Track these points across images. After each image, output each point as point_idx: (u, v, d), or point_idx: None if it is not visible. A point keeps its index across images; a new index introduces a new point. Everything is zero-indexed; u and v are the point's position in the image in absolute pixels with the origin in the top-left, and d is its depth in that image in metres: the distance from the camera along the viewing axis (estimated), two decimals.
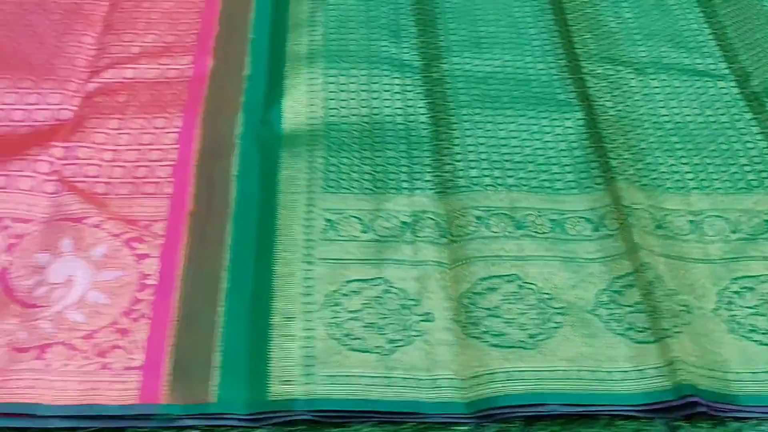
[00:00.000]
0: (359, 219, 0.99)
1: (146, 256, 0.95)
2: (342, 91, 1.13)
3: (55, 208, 0.99)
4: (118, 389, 0.84)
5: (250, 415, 0.83)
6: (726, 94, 1.17)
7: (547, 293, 0.92)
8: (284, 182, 1.02)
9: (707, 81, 1.18)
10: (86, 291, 0.91)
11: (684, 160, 1.07)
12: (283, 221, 0.98)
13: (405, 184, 1.02)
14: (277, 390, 0.83)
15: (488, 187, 1.02)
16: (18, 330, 0.88)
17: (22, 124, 1.08)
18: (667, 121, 1.12)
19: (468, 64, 1.17)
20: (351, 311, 0.90)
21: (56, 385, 0.83)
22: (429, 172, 1.04)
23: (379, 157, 1.06)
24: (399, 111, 1.11)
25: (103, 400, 0.82)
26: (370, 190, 1.02)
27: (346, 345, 0.87)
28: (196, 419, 0.83)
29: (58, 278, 0.92)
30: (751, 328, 0.88)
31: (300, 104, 1.12)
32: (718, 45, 1.24)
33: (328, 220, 0.99)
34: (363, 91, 1.13)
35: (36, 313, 0.89)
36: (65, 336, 0.87)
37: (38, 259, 0.94)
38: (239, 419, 0.83)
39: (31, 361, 0.85)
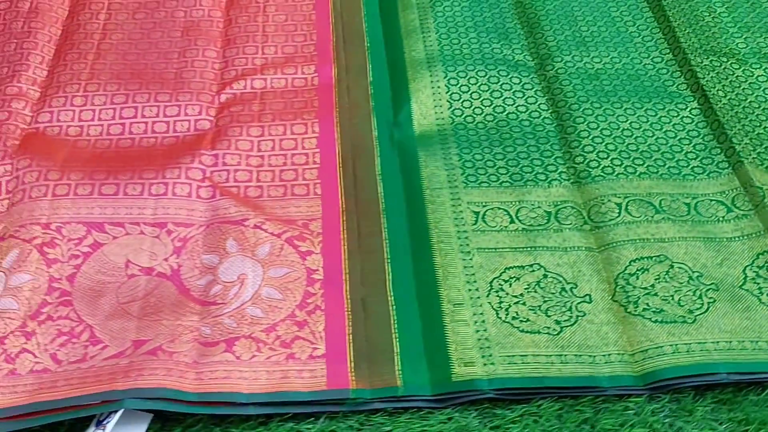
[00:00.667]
0: (505, 210, 1.03)
1: (309, 252, 0.99)
2: (464, 92, 1.18)
3: (213, 212, 1.04)
4: (306, 377, 0.88)
5: (436, 396, 0.87)
6: None
7: (697, 271, 0.96)
8: (426, 179, 1.07)
9: None
10: (259, 288, 0.96)
11: None
12: (433, 215, 1.03)
13: (541, 177, 1.07)
14: (459, 371, 0.88)
15: (620, 176, 1.06)
16: (201, 326, 0.92)
17: (166, 134, 1.13)
18: None
19: (579, 62, 1.22)
20: (515, 296, 0.94)
21: (248, 375, 0.88)
22: (561, 164, 1.09)
23: (510, 152, 1.10)
24: (521, 108, 1.16)
25: (294, 387, 0.87)
26: (508, 183, 1.07)
27: (517, 327, 0.92)
28: (384, 402, 0.87)
29: (231, 277, 0.96)
30: None
31: (426, 107, 1.17)
32: None
33: (476, 213, 1.03)
34: (484, 91, 1.18)
35: (216, 309, 0.94)
36: (248, 330, 0.92)
37: (207, 260, 0.99)
38: (425, 401, 0.88)
39: (221, 353, 0.89)
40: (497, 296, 0.94)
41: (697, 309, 0.93)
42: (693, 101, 1.17)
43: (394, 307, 0.94)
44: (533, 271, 0.97)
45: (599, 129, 1.13)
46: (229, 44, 1.27)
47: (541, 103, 1.17)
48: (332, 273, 0.98)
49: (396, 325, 0.92)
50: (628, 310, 0.93)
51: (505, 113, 1.17)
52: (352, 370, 0.88)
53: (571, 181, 1.07)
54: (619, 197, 1.04)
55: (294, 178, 1.08)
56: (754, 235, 1.00)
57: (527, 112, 1.17)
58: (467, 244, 1.00)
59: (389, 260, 0.99)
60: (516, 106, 1.18)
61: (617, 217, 1.02)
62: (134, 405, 0.84)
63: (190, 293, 0.96)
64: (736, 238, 1.00)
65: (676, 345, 0.89)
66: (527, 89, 1.19)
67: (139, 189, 1.04)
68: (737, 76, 1.20)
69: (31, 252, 0.97)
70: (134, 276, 0.97)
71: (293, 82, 1.22)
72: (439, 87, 1.20)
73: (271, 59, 1.25)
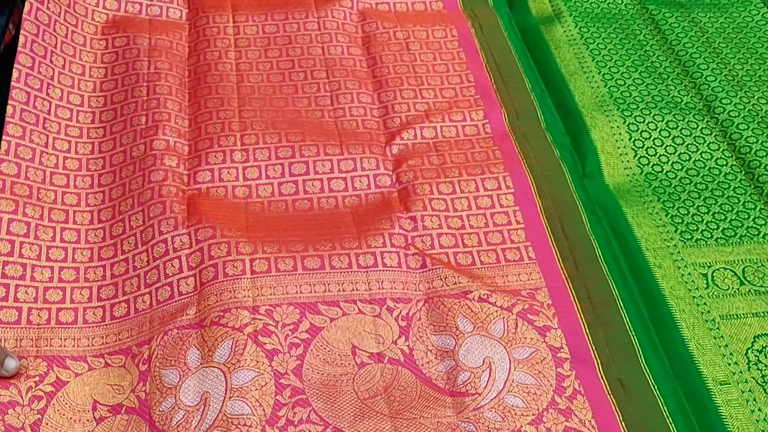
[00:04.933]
0: (732, 271, 0.99)
1: (548, 328, 0.91)
2: (645, 139, 1.12)
3: (428, 284, 0.94)
4: None
5: None
6: None
7: None
8: (643, 240, 1.00)
9: None
10: (509, 373, 0.87)
11: None
12: (663, 282, 0.96)
13: (753, 231, 1.02)
14: None
15: None
16: (461, 422, 0.83)
17: (346, 193, 1.02)
18: None
19: (747, 103, 1.18)
20: None
21: None
22: None
23: (712, 204, 1.05)
24: (706, 156, 1.11)
25: None
26: (723, 239, 1.02)
27: None
28: None
29: (476, 362, 0.87)
30: None
31: (612, 156, 1.10)
32: None
33: (704, 275, 0.98)
34: (665, 137, 1.13)
35: (471, 402, 0.85)
36: (514, 423, 0.83)
37: (438, 342, 0.89)
38: None
39: None
40: (758, 370, 0.90)
41: None
42: None
43: (656, 386, 0.88)
44: None
45: None
46: (381, 87, 1.16)
47: (724, 150, 1.13)
48: (578, 350, 0.90)
49: (665, 408, 0.86)
50: None
51: (692, 161, 1.12)
52: None
53: None
54: None
55: (502, 241, 1.00)
56: None
57: (713, 160, 1.12)
58: (708, 311, 0.95)
59: (632, 331, 0.92)
60: (700, 153, 1.13)
61: None
62: None
63: (433, 382, 0.86)
64: None
65: None
66: (706, 134, 1.15)
67: (346, 261, 0.93)
68: None
69: (246, 343, 0.86)
70: (365, 365, 0.87)
71: (464, 130, 1.12)
72: (620, 134, 1.14)
73: (433, 104, 1.15)
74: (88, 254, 0.94)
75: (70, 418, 0.81)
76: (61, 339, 0.86)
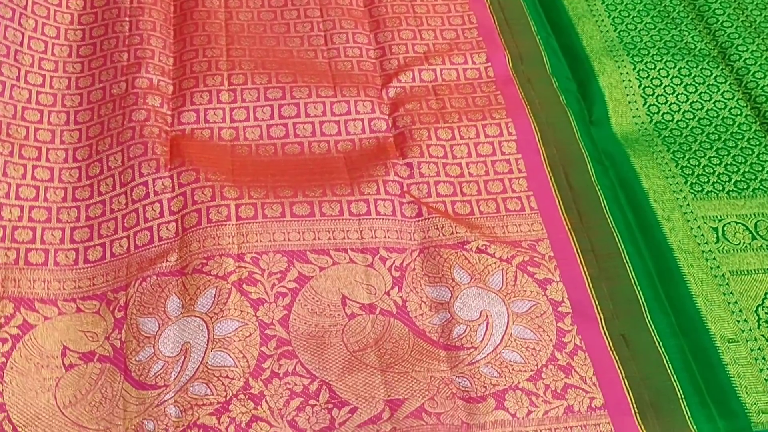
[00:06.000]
0: (744, 225, 0.94)
1: (549, 281, 0.86)
2: (656, 86, 1.06)
3: (424, 233, 0.89)
4: None
5: None
6: None
7: None
8: (651, 191, 0.95)
9: None
10: (507, 327, 0.83)
11: None
12: (671, 235, 0.91)
13: (767, 184, 0.98)
14: (758, 420, 0.78)
15: None
16: (455, 377, 0.79)
17: (339, 137, 0.97)
18: None
19: (765, 51, 1.12)
20: None
21: None
22: None
23: (725, 155, 1.00)
24: (719, 105, 1.05)
25: None
26: (735, 192, 0.97)
27: None
28: None
29: (472, 315, 0.83)
30: None
31: (621, 104, 1.04)
32: None
33: (714, 229, 0.93)
34: (677, 84, 1.07)
35: (467, 356, 0.80)
36: (511, 379, 0.79)
37: (432, 293, 0.85)
38: None
39: (492, 411, 0.76)
40: None
41: None
42: None
43: (660, 343, 0.84)
44: None
45: None
46: (379, 27, 1.09)
47: (738, 99, 1.07)
48: (580, 305, 0.86)
49: (670, 365, 0.82)
50: None
51: (704, 110, 1.06)
52: (640, 422, 0.77)
53: None
54: None
55: (502, 191, 0.95)
56: None
57: (726, 109, 1.06)
58: (717, 266, 0.90)
59: (638, 286, 0.88)
60: (713, 102, 1.07)
61: None
62: None
63: (426, 335, 0.82)
64: None
65: None
66: (720, 83, 1.08)
67: (337, 208, 0.88)
68: None
69: (230, 292, 0.81)
70: (355, 316, 0.82)
71: (465, 74, 1.06)
72: (628, 81, 1.07)
73: (433, 46, 1.08)
74: (61, 194, 0.88)
75: (37, 363, 0.77)
76: (30, 280, 0.81)
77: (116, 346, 0.78)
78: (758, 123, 1.05)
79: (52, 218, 0.86)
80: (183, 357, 0.77)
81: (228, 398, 0.75)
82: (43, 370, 0.76)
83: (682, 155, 1.01)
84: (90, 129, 0.94)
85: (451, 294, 0.84)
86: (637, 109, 1.06)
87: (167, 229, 0.86)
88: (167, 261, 0.83)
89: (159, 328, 0.79)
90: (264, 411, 0.74)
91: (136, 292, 0.81)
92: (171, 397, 0.75)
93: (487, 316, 0.83)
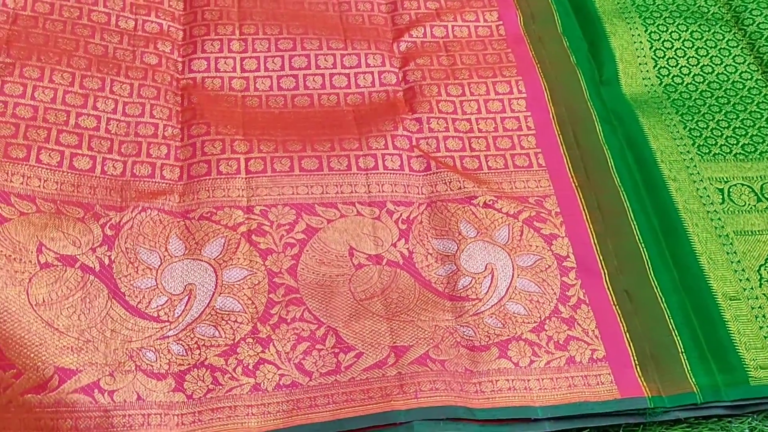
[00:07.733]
0: (749, 187, 0.94)
1: (554, 236, 0.87)
2: (667, 48, 1.06)
3: (432, 187, 0.89)
4: (593, 384, 0.78)
5: (735, 402, 0.79)
6: None
7: None
8: (658, 152, 0.95)
9: None
10: (512, 280, 0.84)
11: None
12: (677, 195, 0.92)
13: None
14: (756, 375, 0.79)
15: None
16: (459, 326, 0.80)
17: (349, 90, 0.97)
18: None
19: None
20: None
21: (532, 385, 0.77)
22: None
23: (733, 119, 1.00)
24: (730, 69, 1.05)
25: (584, 397, 0.77)
26: (743, 155, 0.97)
27: None
28: (684, 410, 0.79)
29: (477, 267, 0.84)
30: None
31: (631, 65, 1.04)
32: None
33: (720, 190, 0.94)
34: (688, 48, 1.06)
35: (471, 306, 0.82)
36: (514, 330, 0.80)
37: (439, 246, 0.86)
38: (724, 408, 0.80)
39: (495, 360, 0.78)
40: None
41: None
42: None
43: (663, 299, 0.85)
44: None
45: None
46: None
47: (750, 63, 1.07)
48: (585, 260, 0.87)
49: (672, 320, 0.83)
50: None
51: (714, 74, 1.06)
52: (640, 374, 0.79)
53: None
54: None
55: (511, 147, 0.95)
56: None
57: (737, 73, 1.06)
58: (722, 227, 0.91)
59: (642, 243, 0.89)
60: (724, 66, 1.07)
61: None
62: (425, 429, 0.72)
63: (432, 286, 0.83)
64: None
65: None
66: (732, 47, 1.08)
67: (345, 163, 0.89)
68: None
69: (239, 242, 0.82)
70: (362, 266, 0.83)
71: (477, 31, 1.06)
72: (639, 43, 1.07)
73: (444, 2, 1.08)
74: (50, 94, 0.87)
75: (9, 256, 0.75)
76: (8, 174, 0.79)
77: (104, 263, 0.78)
78: None
79: (38, 117, 0.84)
80: (187, 297, 0.78)
81: (236, 341, 0.76)
82: (15, 263, 0.75)
83: (690, 117, 1.01)
84: (90, 46, 0.92)
85: (458, 247, 0.85)
86: (647, 71, 1.06)
87: (171, 171, 0.86)
88: (169, 200, 0.83)
89: (161, 263, 0.79)
90: (271, 354, 0.76)
91: (133, 219, 0.81)
92: (174, 334, 0.76)
93: (492, 269, 0.84)
